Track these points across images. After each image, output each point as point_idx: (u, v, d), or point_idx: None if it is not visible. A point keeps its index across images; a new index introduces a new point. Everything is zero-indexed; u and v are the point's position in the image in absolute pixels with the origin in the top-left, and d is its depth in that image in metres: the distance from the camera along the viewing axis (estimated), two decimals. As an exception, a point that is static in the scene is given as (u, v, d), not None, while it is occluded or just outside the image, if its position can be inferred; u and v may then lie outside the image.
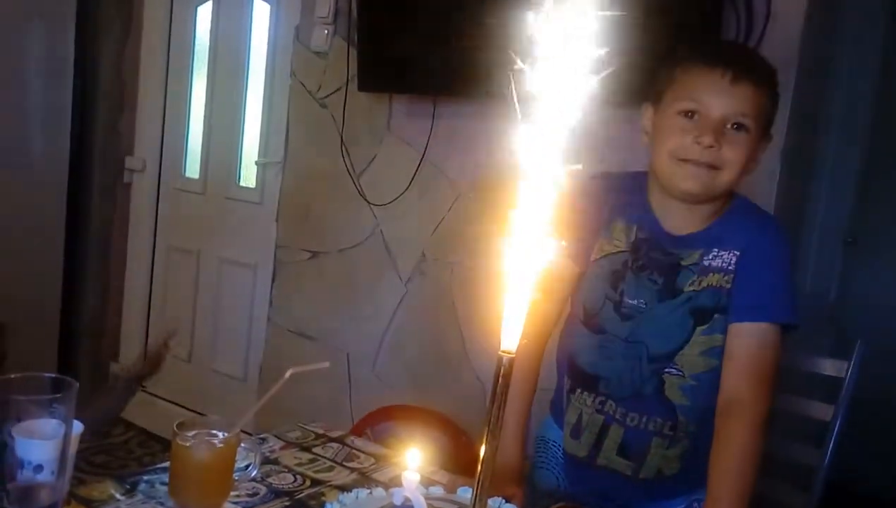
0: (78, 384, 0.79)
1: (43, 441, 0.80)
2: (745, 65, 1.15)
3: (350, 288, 2.72)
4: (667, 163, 1.18)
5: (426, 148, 2.49)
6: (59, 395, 0.79)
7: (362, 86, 2.53)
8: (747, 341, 1.18)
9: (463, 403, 2.38)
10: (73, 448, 0.90)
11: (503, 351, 0.72)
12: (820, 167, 2.51)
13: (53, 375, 0.81)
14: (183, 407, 3.15)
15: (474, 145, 2.35)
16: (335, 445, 1.32)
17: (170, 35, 3.21)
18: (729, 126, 1.15)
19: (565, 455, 1.35)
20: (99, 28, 3.15)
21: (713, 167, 1.15)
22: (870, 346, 1.47)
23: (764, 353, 1.17)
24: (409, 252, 2.59)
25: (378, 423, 2.42)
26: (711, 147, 1.14)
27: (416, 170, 2.51)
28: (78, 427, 0.89)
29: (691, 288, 1.22)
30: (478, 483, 0.73)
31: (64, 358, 3.15)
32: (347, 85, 2.61)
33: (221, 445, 0.98)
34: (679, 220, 1.23)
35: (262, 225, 2.96)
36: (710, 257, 1.22)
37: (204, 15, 3.13)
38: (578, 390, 1.30)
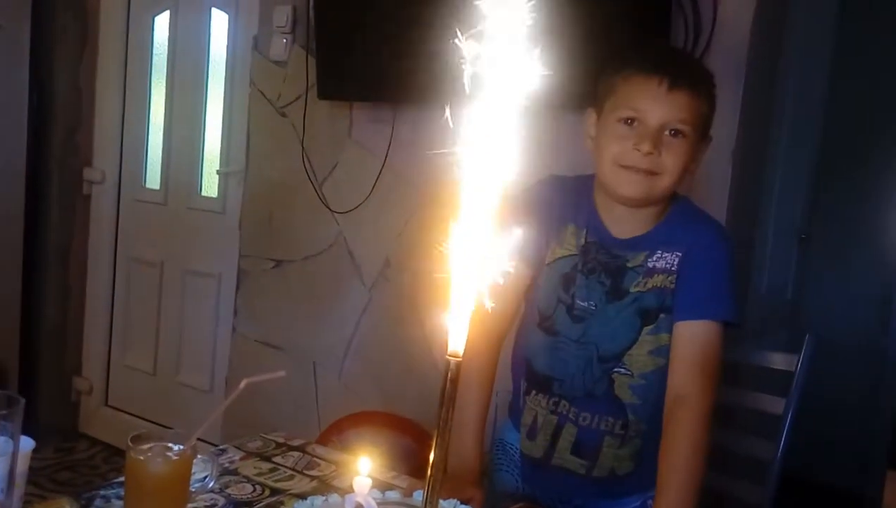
0: (24, 400, 0.79)
1: (-9, 459, 0.79)
2: (682, 72, 1.19)
3: (314, 297, 2.71)
4: (609, 169, 1.22)
5: (387, 155, 2.50)
6: (5, 412, 0.78)
7: (322, 95, 2.53)
8: (691, 339, 1.21)
9: (429, 408, 2.37)
10: (24, 465, 0.89)
11: (450, 355, 0.73)
12: (772, 166, 2.56)
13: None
14: (148, 420, 3.11)
15: (435, 151, 2.36)
16: (296, 454, 1.32)
17: (127, 45, 3.18)
18: (667, 132, 1.18)
19: (522, 457, 1.37)
20: (55, 39, 3.11)
21: (653, 173, 1.19)
22: (825, 340, 1.51)
23: (707, 350, 1.20)
24: (372, 258, 2.59)
25: (345, 431, 2.42)
26: (650, 154, 1.17)
27: (378, 177, 2.52)
28: (28, 443, 0.89)
29: (637, 290, 1.25)
30: (428, 484, 0.74)
31: (25, 374, 3.10)
32: (307, 93, 2.61)
33: (176, 458, 0.97)
34: (623, 224, 1.26)
35: (225, 234, 2.94)
36: (655, 259, 1.25)
37: (161, 24, 3.11)
38: (534, 392, 1.33)
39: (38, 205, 3.13)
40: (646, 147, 1.17)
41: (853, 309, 3.16)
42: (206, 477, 1.07)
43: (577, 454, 1.30)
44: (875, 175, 3.16)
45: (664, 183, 1.20)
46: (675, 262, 1.24)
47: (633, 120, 1.18)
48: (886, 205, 3.10)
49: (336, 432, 2.42)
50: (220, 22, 2.96)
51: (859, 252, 3.20)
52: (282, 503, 1.12)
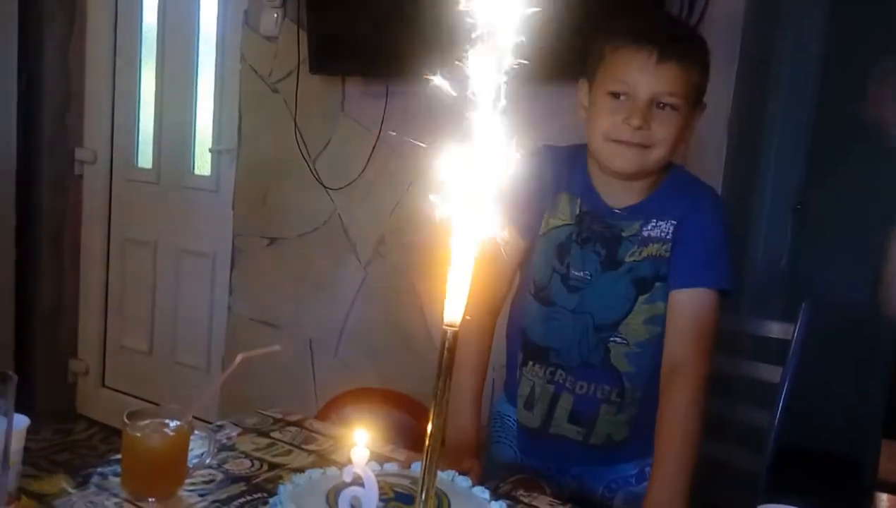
0: (17, 377, 0.78)
1: (-16, 437, 0.79)
2: (672, 43, 1.16)
3: (310, 274, 2.70)
4: (600, 142, 1.20)
5: (381, 129, 2.47)
6: (-2, 389, 0.77)
7: (314, 70, 2.51)
8: (687, 307, 1.21)
9: (426, 383, 2.37)
10: (18, 443, 0.89)
11: (447, 324, 0.72)
12: (768, 135, 2.55)
13: (-9, 369, 0.79)
14: (146, 400, 3.11)
15: (429, 125, 2.34)
16: (293, 429, 1.32)
17: (116, 22, 3.14)
18: (658, 105, 1.16)
19: (519, 428, 1.37)
20: (42, 18, 3.07)
21: (644, 146, 1.17)
22: (821, 308, 1.51)
23: (703, 318, 1.20)
24: (367, 235, 2.58)
25: (343, 407, 2.42)
26: (640, 128, 1.16)
27: (372, 152, 2.50)
28: (22, 421, 0.88)
29: (632, 259, 1.25)
30: (426, 454, 0.74)
31: (21, 356, 3.09)
32: (299, 68, 2.59)
33: (172, 433, 0.97)
34: (618, 194, 1.26)
35: (219, 213, 2.92)
36: (650, 228, 1.24)
37: (150, 1, 3.06)
38: (531, 363, 1.33)
39: (30, 187, 3.11)
40: (635, 121, 1.15)
41: (849, 277, 3.15)
42: (203, 453, 1.07)
43: (573, 422, 1.31)
44: (871, 143, 3.15)
45: (656, 155, 1.19)
46: (670, 231, 1.23)
47: (622, 93, 1.17)
48: (882, 174, 3.09)
49: (333, 409, 2.42)
50: (208, -3, 2.92)
51: (855, 220, 3.19)
52: (280, 477, 1.12)
